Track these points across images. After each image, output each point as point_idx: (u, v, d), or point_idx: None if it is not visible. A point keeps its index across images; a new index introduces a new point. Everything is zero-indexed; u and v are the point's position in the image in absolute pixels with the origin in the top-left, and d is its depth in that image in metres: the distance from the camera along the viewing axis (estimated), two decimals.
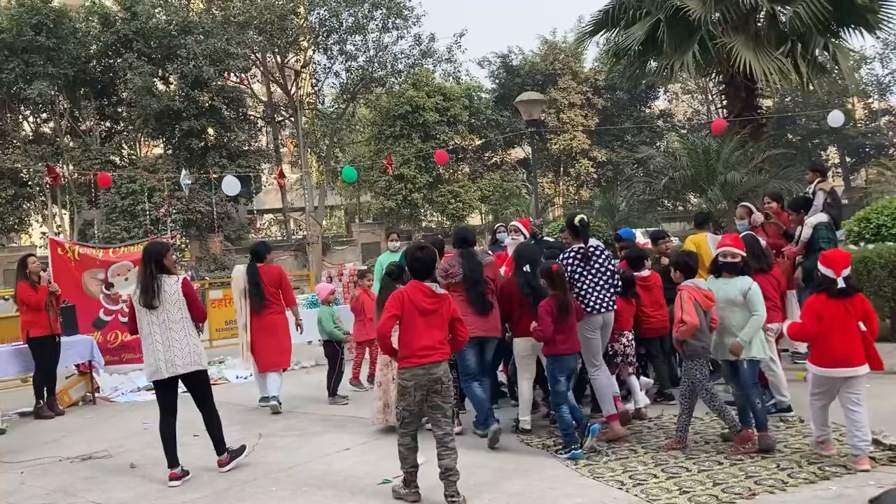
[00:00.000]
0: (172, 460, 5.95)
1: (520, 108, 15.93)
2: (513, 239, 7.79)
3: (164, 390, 6.01)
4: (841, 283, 5.23)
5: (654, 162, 17.04)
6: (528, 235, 7.92)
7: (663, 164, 15.77)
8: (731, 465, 5.37)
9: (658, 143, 33.13)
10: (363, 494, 5.34)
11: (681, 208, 27.36)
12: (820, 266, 5.41)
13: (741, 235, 6.57)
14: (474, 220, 36.78)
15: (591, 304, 6.23)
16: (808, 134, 38.11)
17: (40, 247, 27.97)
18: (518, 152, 38.13)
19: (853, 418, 5.17)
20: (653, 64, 15.09)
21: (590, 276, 6.27)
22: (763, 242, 6.98)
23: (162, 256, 5.95)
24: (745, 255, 5.93)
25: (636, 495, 4.91)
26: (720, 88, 15.68)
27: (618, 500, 4.88)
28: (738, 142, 13.45)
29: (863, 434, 5.14)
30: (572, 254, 6.36)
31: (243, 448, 6.31)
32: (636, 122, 36.32)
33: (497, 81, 36.98)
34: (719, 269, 5.94)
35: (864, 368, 5.18)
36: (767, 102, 27.32)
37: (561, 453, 5.86)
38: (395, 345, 5.15)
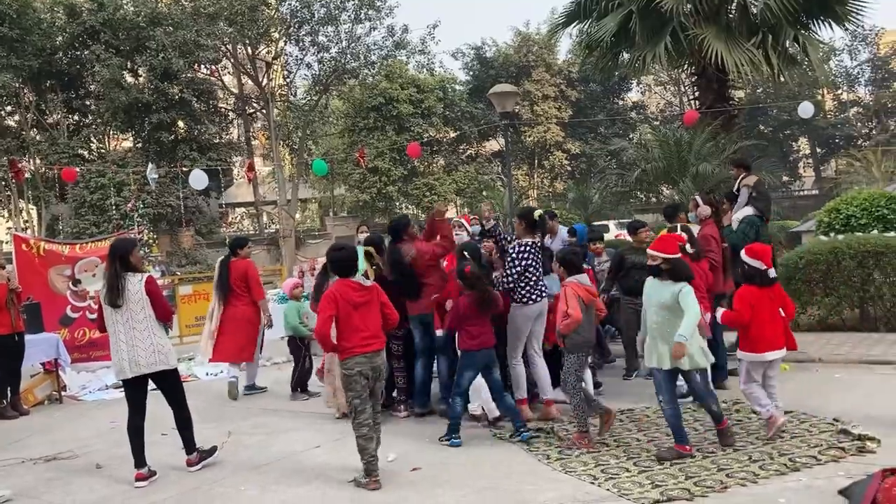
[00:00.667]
0: (139, 460, 5.83)
1: (493, 100, 15.84)
2: (456, 235, 7.91)
3: (132, 389, 5.90)
4: (772, 273, 5.75)
5: (627, 154, 17.04)
6: (469, 231, 8.21)
7: (636, 155, 15.77)
8: (704, 457, 5.36)
9: (631, 135, 33.19)
10: (333, 491, 5.28)
11: (654, 200, 27.40)
12: (748, 259, 5.78)
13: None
14: (450, 213, 36.71)
15: (538, 293, 6.58)
16: (779, 125, 38.47)
17: (6, 242, 27.44)
18: (493, 145, 38.09)
19: (772, 392, 5.80)
20: (625, 55, 15.06)
21: (539, 267, 6.63)
22: (695, 233, 7.12)
23: (128, 253, 5.81)
24: (669, 257, 5.47)
25: (608, 489, 4.89)
26: (692, 80, 15.64)
27: (590, 494, 4.85)
28: (710, 133, 13.48)
29: (777, 397, 5.84)
30: (529, 245, 6.59)
31: (214, 449, 6.21)
32: (609, 114, 36.42)
33: (471, 73, 36.88)
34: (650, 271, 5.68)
35: (784, 350, 5.80)
36: (739, 94, 27.44)
37: (443, 440, 6.14)
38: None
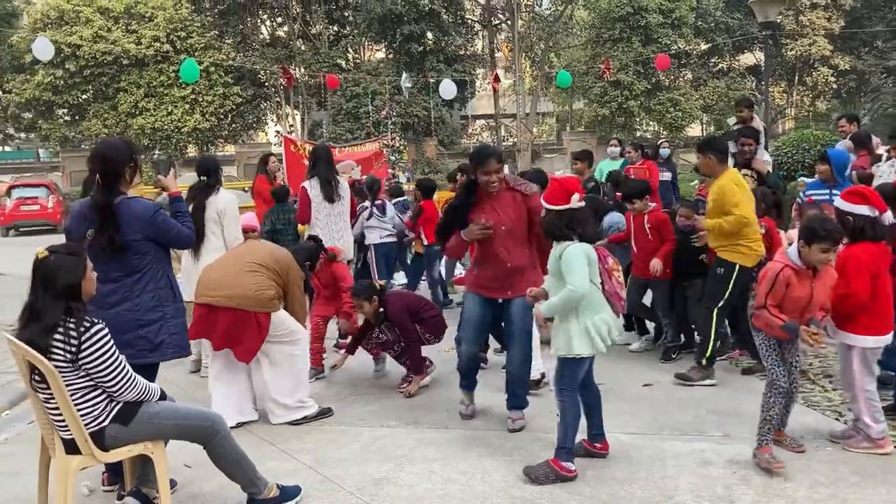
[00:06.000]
0: None
1: (754, 8, 14.68)
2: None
3: None
4: (889, 218, 4.28)
5: None
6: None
7: None
8: None
9: None
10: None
11: None
12: (850, 206, 4.18)
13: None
14: (694, 130, 34.90)
15: None
16: None
17: (275, 144, 30.26)
18: (748, 58, 35.28)
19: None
20: None
21: None
22: None
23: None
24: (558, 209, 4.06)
25: (797, 402, 4.55)
26: None
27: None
28: None
29: None
30: None
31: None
32: (890, 25, 32.16)
33: None
34: None
35: None
36: None
37: None
38: None
